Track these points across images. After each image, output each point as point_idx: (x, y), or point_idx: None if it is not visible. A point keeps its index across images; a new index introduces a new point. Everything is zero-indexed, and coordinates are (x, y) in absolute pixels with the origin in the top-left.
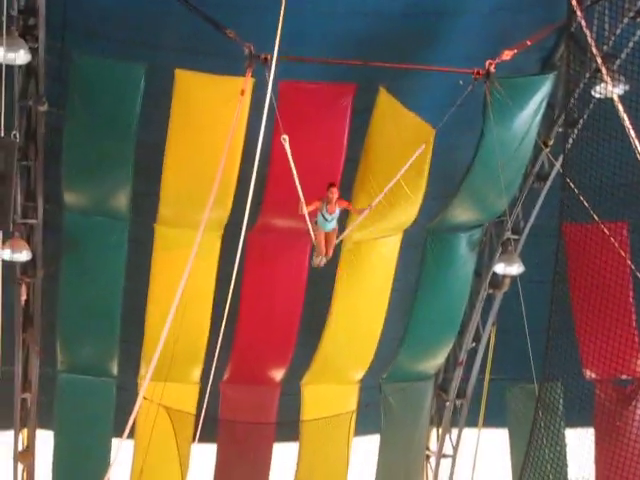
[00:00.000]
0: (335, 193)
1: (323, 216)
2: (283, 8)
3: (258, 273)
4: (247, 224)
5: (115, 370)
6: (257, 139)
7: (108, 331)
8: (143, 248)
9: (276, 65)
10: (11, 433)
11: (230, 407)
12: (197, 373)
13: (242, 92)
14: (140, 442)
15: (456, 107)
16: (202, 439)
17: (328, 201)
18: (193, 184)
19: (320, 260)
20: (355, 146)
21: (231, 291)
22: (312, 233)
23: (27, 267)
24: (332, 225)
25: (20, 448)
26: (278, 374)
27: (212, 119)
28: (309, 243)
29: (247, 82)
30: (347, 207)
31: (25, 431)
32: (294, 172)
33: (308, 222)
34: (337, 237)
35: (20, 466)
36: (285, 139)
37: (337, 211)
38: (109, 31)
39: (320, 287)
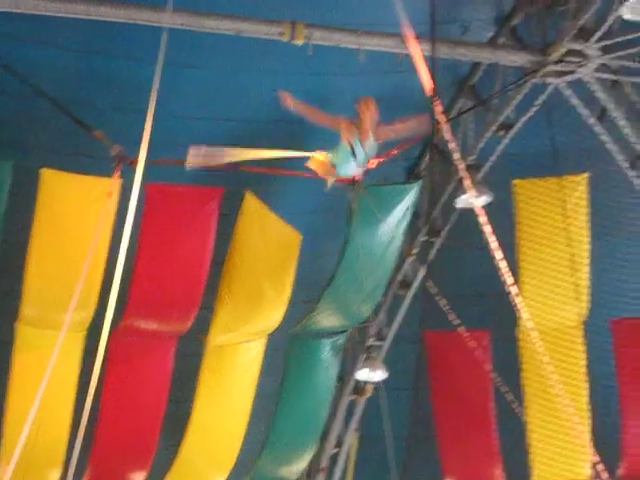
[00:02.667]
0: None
1: (352, 149)
2: (151, 111)
3: (120, 375)
4: (110, 326)
5: None
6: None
7: None
8: (4, 347)
9: (143, 168)
10: None
11: None
12: (56, 476)
13: (109, 194)
14: None
15: (322, 213)
16: None
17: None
18: (57, 284)
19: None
20: (221, 249)
21: (92, 393)
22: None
23: None
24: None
25: None
26: (139, 477)
27: (78, 219)
28: (173, 344)
29: (114, 184)
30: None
31: None
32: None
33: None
34: None
35: None
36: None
37: (372, 140)
38: None
39: (185, 389)
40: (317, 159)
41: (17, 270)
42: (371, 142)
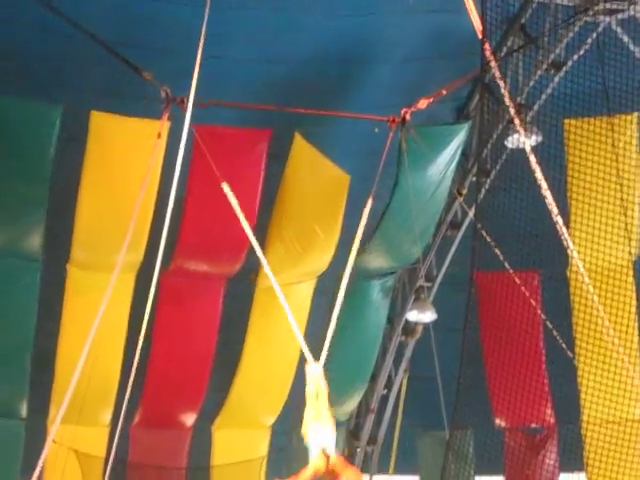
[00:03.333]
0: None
1: None
2: (200, 52)
3: (171, 316)
4: (161, 267)
5: (24, 412)
6: (172, 182)
7: (18, 373)
8: (55, 290)
9: (192, 109)
10: None
11: (140, 451)
12: (107, 416)
13: (158, 135)
14: None
15: (371, 154)
16: None
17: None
18: (107, 227)
19: None
20: (271, 191)
21: (143, 334)
22: None
23: None
24: None
25: None
26: (189, 418)
27: (127, 161)
28: (223, 285)
29: (163, 125)
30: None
31: None
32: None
33: None
34: None
35: None
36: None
37: None
38: (27, 70)
39: (234, 330)
40: None
41: (68, 214)
42: None
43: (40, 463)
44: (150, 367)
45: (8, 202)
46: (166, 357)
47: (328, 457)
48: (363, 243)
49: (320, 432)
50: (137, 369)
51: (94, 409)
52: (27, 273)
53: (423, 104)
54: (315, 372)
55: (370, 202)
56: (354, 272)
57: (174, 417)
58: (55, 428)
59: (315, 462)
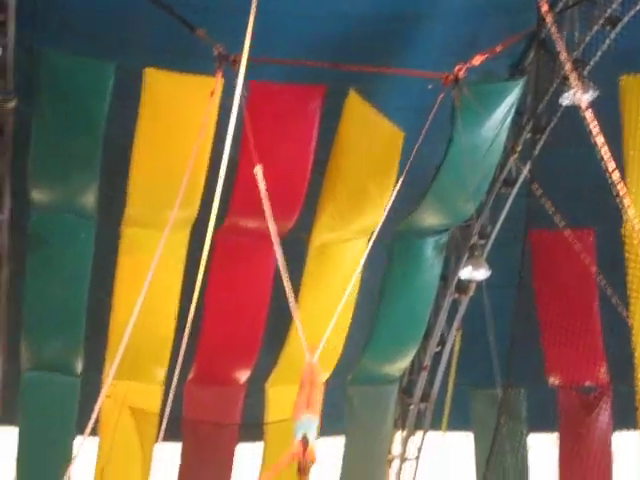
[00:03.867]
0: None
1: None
2: (254, 9)
3: (225, 273)
4: (215, 224)
5: (80, 368)
6: (226, 139)
7: (73, 329)
8: (109, 247)
9: (246, 66)
10: None
11: (194, 407)
12: (162, 373)
13: (212, 93)
14: (103, 440)
15: (425, 111)
16: (166, 439)
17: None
18: (161, 184)
19: None
20: (324, 148)
21: (197, 291)
22: None
23: None
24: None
25: None
26: (243, 375)
27: (181, 119)
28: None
29: (217, 83)
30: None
31: None
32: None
33: None
34: None
35: None
36: (257, 172)
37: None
38: (80, 28)
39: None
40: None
41: (122, 172)
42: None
43: (94, 418)
44: (204, 324)
45: (63, 159)
46: (220, 314)
47: (307, 444)
48: (417, 200)
49: (307, 419)
50: (191, 326)
51: (148, 366)
52: (82, 230)
53: (477, 61)
54: (311, 362)
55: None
56: (408, 230)
57: (228, 374)
58: (109, 384)
59: (294, 449)
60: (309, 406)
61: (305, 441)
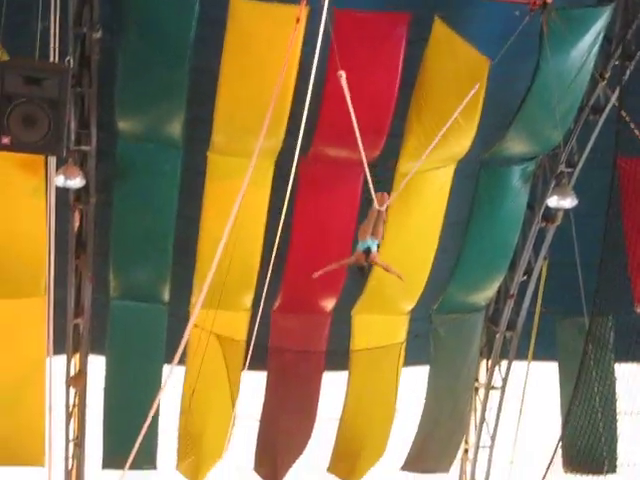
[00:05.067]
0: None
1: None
2: None
3: (310, 201)
4: (300, 153)
5: (167, 297)
6: (311, 67)
7: (160, 258)
8: (196, 175)
9: None
10: (64, 358)
11: (280, 335)
12: (248, 301)
13: (297, 20)
14: (190, 369)
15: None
16: (252, 367)
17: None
18: (247, 112)
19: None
20: (410, 75)
21: (283, 219)
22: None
23: (80, 194)
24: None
25: (72, 373)
26: (329, 303)
27: (267, 46)
28: (362, 172)
29: (302, 10)
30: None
31: (77, 356)
32: (350, 109)
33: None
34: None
35: (72, 390)
36: (341, 75)
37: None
38: None
39: None
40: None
41: (208, 98)
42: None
43: (182, 346)
44: (290, 252)
45: (149, 87)
46: (306, 242)
47: (368, 254)
48: (505, 128)
49: (371, 240)
50: (277, 254)
51: (235, 294)
52: (169, 158)
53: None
54: (379, 208)
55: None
56: (494, 158)
57: (314, 302)
58: (197, 312)
59: (357, 255)
60: (374, 233)
61: (367, 251)
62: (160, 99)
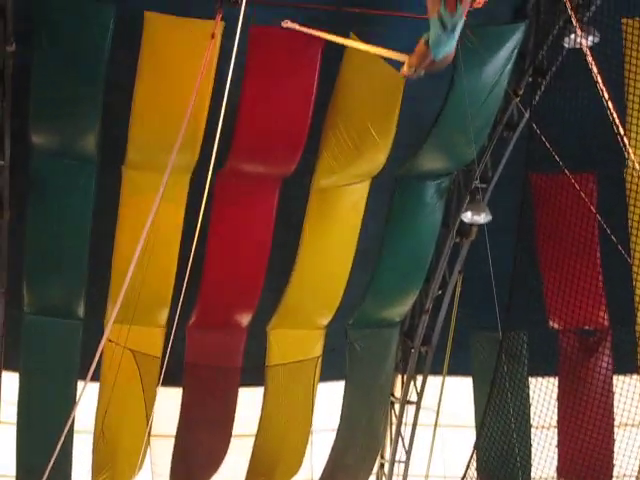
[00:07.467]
0: None
1: (442, 22)
2: None
3: (226, 217)
4: (215, 168)
5: (82, 312)
6: (226, 83)
7: (75, 273)
8: (110, 191)
9: (246, 9)
10: None
11: (196, 351)
12: (163, 316)
13: (212, 36)
14: (105, 384)
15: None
16: (168, 382)
17: None
18: (161, 127)
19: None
20: (325, 92)
21: (197, 235)
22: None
23: None
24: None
25: None
26: (245, 318)
27: (181, 62)
28: (277, 187)
29: (217, 25)
30: None
31: None
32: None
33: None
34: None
35: None
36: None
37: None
38: None
39: (288, 232)
40: (417, 49)
41: (123, 115)
42: (460, 12)
43: (95, 361)
44: (206, 268)
45: (63, 103)
46: (222, 258)
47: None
48: (419, 143)
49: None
50: (193, 270)
51: (150, 309)
52: (83, 174)
53: (479, 3)
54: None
55: None
56: (409, 174)
57: (230, 317)
58: (110, 326)
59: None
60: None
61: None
62: (74, 114)
